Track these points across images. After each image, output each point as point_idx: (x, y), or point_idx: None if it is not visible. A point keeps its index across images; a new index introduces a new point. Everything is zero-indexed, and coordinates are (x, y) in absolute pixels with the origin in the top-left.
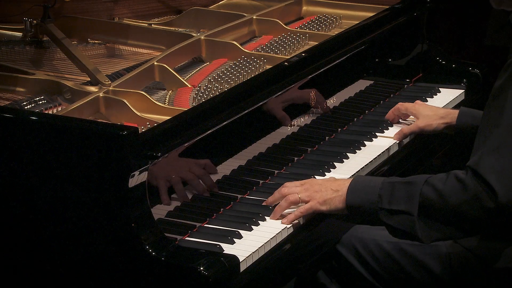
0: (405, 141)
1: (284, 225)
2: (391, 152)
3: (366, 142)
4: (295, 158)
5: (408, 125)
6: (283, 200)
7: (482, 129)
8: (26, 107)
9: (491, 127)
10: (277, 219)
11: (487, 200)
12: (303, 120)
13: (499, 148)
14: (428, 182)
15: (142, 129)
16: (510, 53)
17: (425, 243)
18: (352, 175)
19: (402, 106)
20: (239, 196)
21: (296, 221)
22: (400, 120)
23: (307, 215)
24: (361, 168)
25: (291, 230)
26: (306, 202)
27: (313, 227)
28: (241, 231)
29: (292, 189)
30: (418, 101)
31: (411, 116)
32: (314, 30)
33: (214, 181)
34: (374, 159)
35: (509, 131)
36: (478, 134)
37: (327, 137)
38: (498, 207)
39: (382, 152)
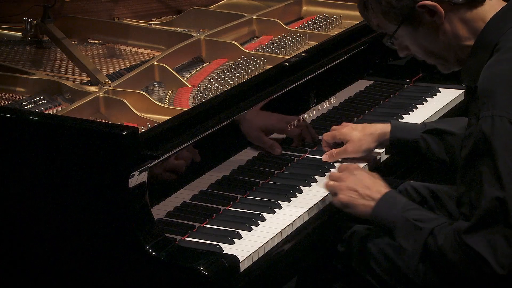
0: None
1: (284, 225)
2: None
3: None
4: (295, 158)
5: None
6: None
7: (468, 182)
8: (26, 107)
9: (478, 194)
10: None
11: (485, 267)
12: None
13: (490, 222)
14: (433, 234)
15: (142, 129)
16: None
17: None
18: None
19: (326, 137)
20: (239, 196)
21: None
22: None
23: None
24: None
25: (291, 230)
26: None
27: (313, 228)
28: (241, 231)
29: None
30: (344, 123)
31: None
32: (314, 30)
33: (214, 181)
34: None
35: (494, 204)
36: (461, 176)
37: None
38: (495, 275)
39: (382, 151)
